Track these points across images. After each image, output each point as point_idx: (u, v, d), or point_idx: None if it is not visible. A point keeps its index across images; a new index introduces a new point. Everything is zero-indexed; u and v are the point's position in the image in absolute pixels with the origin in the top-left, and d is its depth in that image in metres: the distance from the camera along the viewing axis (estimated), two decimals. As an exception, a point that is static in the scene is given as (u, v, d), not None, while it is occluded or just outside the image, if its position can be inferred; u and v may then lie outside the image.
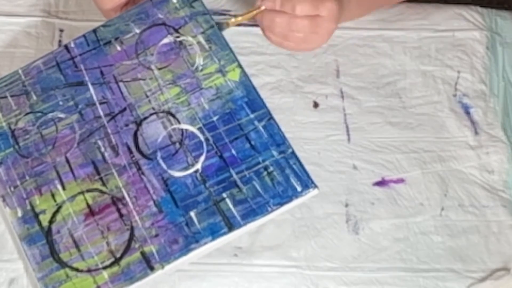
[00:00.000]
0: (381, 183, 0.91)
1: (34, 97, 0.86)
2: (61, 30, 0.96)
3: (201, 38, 0.87)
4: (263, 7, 0.85)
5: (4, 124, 0.85)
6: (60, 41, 0.95)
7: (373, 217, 0.89)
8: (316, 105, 0.95)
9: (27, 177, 0.83)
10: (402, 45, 0.99)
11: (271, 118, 0.83)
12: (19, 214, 0.82)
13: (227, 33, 0.93)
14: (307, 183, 0.80)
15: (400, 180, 0.92)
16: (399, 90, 0.96)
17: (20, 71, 0.87)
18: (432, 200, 0.91)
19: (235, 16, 0.86)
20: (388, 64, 0.98)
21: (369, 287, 0.86)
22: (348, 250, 0.87)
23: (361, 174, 0.91)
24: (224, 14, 0.98)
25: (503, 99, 0.98)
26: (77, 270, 0.79)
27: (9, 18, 0.96)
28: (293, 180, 0.80)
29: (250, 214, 0.79)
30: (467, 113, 0.96)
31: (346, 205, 0.90)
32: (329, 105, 0.95)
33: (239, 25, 0.98)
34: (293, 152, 0.81)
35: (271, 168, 0.81)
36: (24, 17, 0.96)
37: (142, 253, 0.79)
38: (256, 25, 0.98)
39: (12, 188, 0.83)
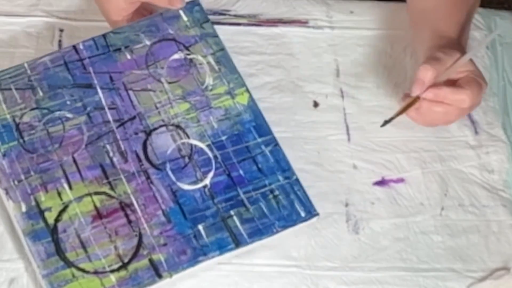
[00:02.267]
0: (381, 182, 0.91)
1: (41, 93, 0.86)
2: (61, 30, 0.96)
3: (211, 59, 0.89)
4: (422, 96, 0.84)
5: (8, 116, 0.85)
6: (60, 41, 0.95)
7: (373, 217, 0.89)
8: (316, 104, 0.95)
9: (32, 173, 0.83)
10: (402, 45, 0.99)
11: (277, 144, 0.86)
12: (23, 209, 0.81)
13: (227, 33, 0.93)
14: (310, 209, 0.84)
15: (400, 180, 0.92)
16: (399, 89, 0.96)
17: (26, 65, 0.88)
18: (432, 200, 0.91)
19: (392, 116, 0.86)
20: (388, 64, 0.98)
21: (369, 287, 0.85)
22: (348, 250, 0.87)
23: (361, 174, 0.91)
24: (224, 14, 0.98)
25: (503, 98, 0.98)
26: (83, 271, 0.79)
27: (9, 18, 0.96)
28: (297, 206, 0.84)
29: (257, 233, 0.82)
30: (467, 112, 0.96)
31: (346, 205, 0.90)
32: (329, 105, 0.95)
33: (238, 24, 0.98)
34: (297, 179, 0.85)
35: (276, 192, 0.84)
36: (24, 17, 0.96)
37: (150, 260, 0.80)
38: (256, 25, 0.99)
39: (16, 182, 0.83)
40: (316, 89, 0.96)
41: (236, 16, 0.99)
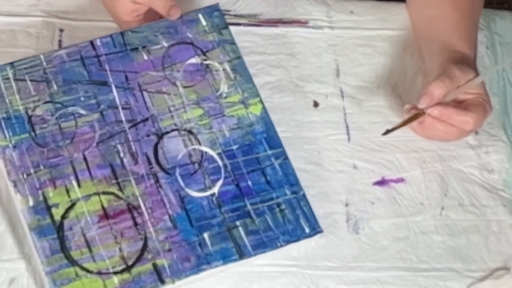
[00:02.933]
0: (381, 182, 0.91)
1: (55, 87, 0.86)
2: (61, 30, 0.96)
3: (227, 66, 0.89)
4: (428, 112, 0.85)
5: (21, 107, 0.85)
6: (60, 41, 0.95)
7: (373, 217, 0.89)
8: (316, 104, 0.95)
9: (41, 167, 0.83)
10: (402, 45, 0.99)
11: (287, 158, 0.86)
12: (31, 203, 0.81)
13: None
14: (315, 226, 0.84)
15: (400, 180, 0.92)
16: (399, 89, 0.96)
17: (42, 57, 0.87)
18: (432, 200, 0.91)
19: (395, 126, 0.87)
20: (388, 63, 0.98)
21: (369, 287, 0.86)
22: (348, 250, 0.87)
23: (361, 174, 0.91)
24: (224, 14, 0.98)
25: (503, 98, 0.98)
26: (87, 270, 0.79)
27: (9, 18, 0.95)
28: (302, 221, 0.84)
29: (261, 246, 0.82)
30: (467, 112, 0.96)
31: (346, 205, 0.90)
32: (329, 105, 0.95)
33: (238, 24, 0.98)
34: (304, 195, 0.85)
35: (283, 206, 0.84)
36: (24, 17, 0.96)
37: (154, 265, 0.80)
38: (256, 25, 0.99)
39: (24, 175, 0.82)
40: (316, 89, 0.96)
41: (236, 16, 0.99)
